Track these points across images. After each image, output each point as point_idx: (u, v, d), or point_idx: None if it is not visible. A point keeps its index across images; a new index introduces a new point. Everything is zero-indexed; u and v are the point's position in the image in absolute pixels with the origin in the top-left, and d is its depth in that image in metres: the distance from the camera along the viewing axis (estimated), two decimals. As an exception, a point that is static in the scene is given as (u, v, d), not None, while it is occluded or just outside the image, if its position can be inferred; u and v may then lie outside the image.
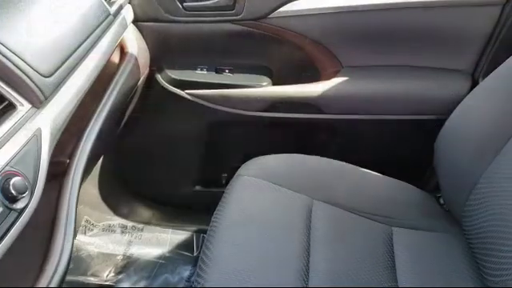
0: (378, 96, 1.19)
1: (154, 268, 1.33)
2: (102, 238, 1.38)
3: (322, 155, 1.12)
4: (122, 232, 1.42)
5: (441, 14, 1.08)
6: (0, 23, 0.66)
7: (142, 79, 1.17)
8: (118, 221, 1.44)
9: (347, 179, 1.10)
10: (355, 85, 1.19)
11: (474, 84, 1.12)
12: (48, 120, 0.69)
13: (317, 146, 1.23)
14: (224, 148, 1.37)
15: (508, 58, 0.91)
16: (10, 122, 0.63)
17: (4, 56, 0.64)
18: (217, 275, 0.85)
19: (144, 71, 1.18)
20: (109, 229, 1.41)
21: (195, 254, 1.38)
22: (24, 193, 0.58)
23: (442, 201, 1.12)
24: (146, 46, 1.19)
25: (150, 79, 1.22)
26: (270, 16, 1.12)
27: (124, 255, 1.35)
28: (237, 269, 0.87)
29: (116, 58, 1.09)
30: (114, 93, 1.00)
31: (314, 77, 1.22)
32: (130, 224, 1.44)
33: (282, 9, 1.11)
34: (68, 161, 0.78)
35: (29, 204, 0.60)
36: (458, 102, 0.99)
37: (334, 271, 0.88)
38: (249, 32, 1.15)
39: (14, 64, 0.65)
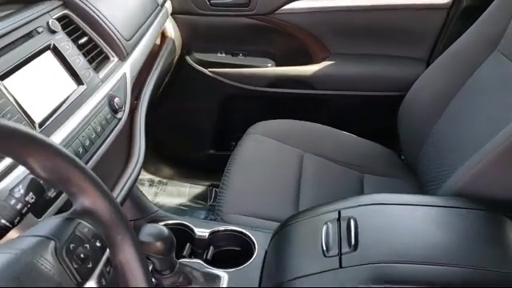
0: (356, 76, 1.50)
1: (176, 213, 1.62)
2: (134, 190, 1.67)
3: (312, 121, 1.41)
4: (150, 185, 1.72)
5: (404, 14, 1.41)
6: (101, 4, 1.00)
7: (176, 59, 1.51)
8: (147, 176, 1.73)
9: (331, 139, 1.38)
10: (340, 67, 1.51)
11: (428, 69, 1.44)
12: (128, 68, 1.02)
13: (309, 114, 1.46)
14: (235, 117, 1.66)
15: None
16: (107, 68, 0.97)
17: (106, 25, 0.98)
18: (231, 194, 1.15)
19: (177, 53, 1.52)
20: (139, 182, 1.70)
21: (208, 204, 1.67)
22: (121, 108, 0.92)
23: (403, 157, 1.44)
24: (179, 34, 1.52)
25: (181, 59, 1.55)
26: (276, 12, 1.46)
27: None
28: (243, 191, 1.15)
29: (158, 41, 1.42)
30: (159, 65, 1.31)
31: (307, 61, 1.54)
32: (156, 179, 1.73)
33: (285, 7, 1.45)
34: (136, 101, 1.11)
35: (123, 115, 0.93)
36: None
37: (316, 198, 1.14)
38: (259, 24, 1.49)
39: (111, 31, 0.99)
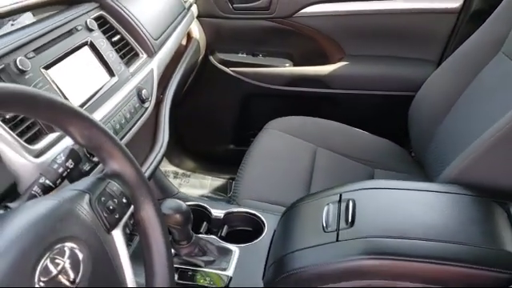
0: (370, 77, 1.58)
1: (197, 202, 1.73)
2: (159, 181, 1.78)
3: (327, 118, 1.48)
4: (174, 177, 1.83)
5: (415, 18, 1.48)
6: (132, 7, 1.12)
7: (200, 58, 1.62)
8: (171, 168, 1.84)
9: (344, 135, 1.45)
10: (354, 68, 1.59)
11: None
12: (156, 64, 1.13)
13: (323, 111, 1.53)
14: (254, 114, 1.76)
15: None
16: (137, 63, 1.08)
17: (137, 26, 1.09)
18: (246, 182, 1.24)
19: (202, 53, 1.63)
20: (164, 174, 1.82)
21: (228, 196, 1.77)
22: (148, 99, 1.03)
23: (413, 154, 1.51)
24: (204, 35, 1.64)
25: (205, 59, 1.67)
26: (294, 16, 1.56)
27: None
28: (258, 179, 1.25)
29: (184, 41, 1.53)
30: (184, 64, 1.43)
31: (323, 61, 1.63)
32: (180, 171, 1.85)
33: (302, 10, 1.55)
34: (162, 95, 1.22)
35: (149, 106, 1.04)
36: (427, 83, 1.36)
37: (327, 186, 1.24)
38: (278, 27, 1.59)
39: (141, 30, 1.10)
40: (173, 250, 0.90)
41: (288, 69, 1.65)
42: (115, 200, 0.57)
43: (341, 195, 0.92)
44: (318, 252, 0.82)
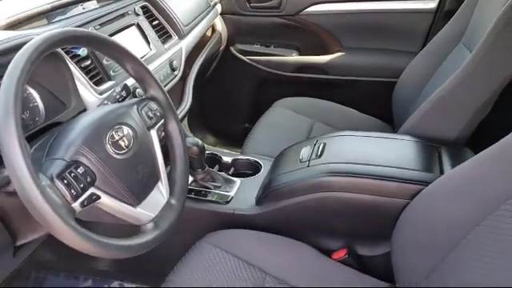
0: (362, 65, 1.87)
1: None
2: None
3: (325, 100, 1.76)
4: (197, 149, 2.16)
5: (400, 16, 1.78)
6: (169, 1, 1.46)
7: (222, 48, 1.96)
8: None
9: (338, 113, 1.72)
10: (349, 58, 1.89)
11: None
12: (184, 45, 1.48)
13: (323, 94, 1.77)
14: (265, 96, 2.04)
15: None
16: (170, 42, 1.42)
17: (171, 14, 1.44)
18: (252, 143, 1.55)
19: (223, 43, 1.98)
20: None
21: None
22: (177, 68, 1.37)
23: (396, 130, 1.77)
24: (226, 29, 1.98)
25: (226, 49, 2.01)
26: (300, 14, 1.89)
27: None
28: (261, 142, 1.54)
29: (209, 33, 1.88)
30: (207, 50, 1.77)
31: (324, 52, 1.94)
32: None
33: (307, 9, 1.87)
34: (188, 71, 1.57)
35: (178, 74, 1.38)
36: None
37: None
38: (287, 23, 1.92)
39: (174, 18, 1.45)
40: (191, 177, 1.23)
41: (295, 58, 1.98)
42: (153, 113, 0.90)
43: (316, 140, 1.22)
44: (293, 174, 1.12)
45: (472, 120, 1.15)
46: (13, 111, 0.62)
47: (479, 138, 1.16)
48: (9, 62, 0.66)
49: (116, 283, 1.43)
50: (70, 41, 0.76)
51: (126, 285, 1.43)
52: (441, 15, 1.71)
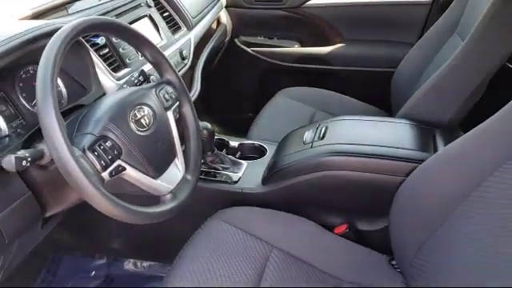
0: (362, 56, 1.95)
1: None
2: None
3: (326, 89, 1.84)
4: (202, 137, 2.24)
5: (398, 8, 1.86)
6: (177, -7, 1.54)
7: (227, 39, 2.04)
8: None
9: (338, 102, 1.79)
10: (349, 49, 1.97)
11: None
12: (193, 36, 1.55)
13: (324, 83, 1.86)
14: (269, 86, 2.12)
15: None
16: (179, 33, 1.50)
17: (181, 7, 1.52)
18: (257, 129, 1.63)
19: (228, 35, 2.05)
20: None
21: None
22: (187, 57, 1.44)
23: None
24: (230, 21, 2.06)
25: (231, 41, 2.09)
26: (302, 6, 1.96)
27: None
28: (266, 128, 1.64)
29: (214, 25, 1.95)
30: (213, 41, 1.84)
31: (325, 43, 2.01)
32: (207, 133, 2.26)
33: (309, 2, 1.95)
34: (196, 61, 1.64)
35: (187, 62, 1.45)
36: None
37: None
38: (289, 15, 2.00)
39: (183, 10, 1.53)
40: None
41: (297, 49, 2.06)
42: (169, 95, 0.98)
43: (319, 124, 1.30)
44: (297, 155, 1.20)
45: (464, 104, 1.23)
46: (50, 90, 0.70)
47: (472, 120, 1.24)
48: (38, 48, 0.73)
49: (130, 261, 1.51)
50: (97, 28, 0.84)
51: (139, 262, 1.51)
52: (437, 7, 1.78)
